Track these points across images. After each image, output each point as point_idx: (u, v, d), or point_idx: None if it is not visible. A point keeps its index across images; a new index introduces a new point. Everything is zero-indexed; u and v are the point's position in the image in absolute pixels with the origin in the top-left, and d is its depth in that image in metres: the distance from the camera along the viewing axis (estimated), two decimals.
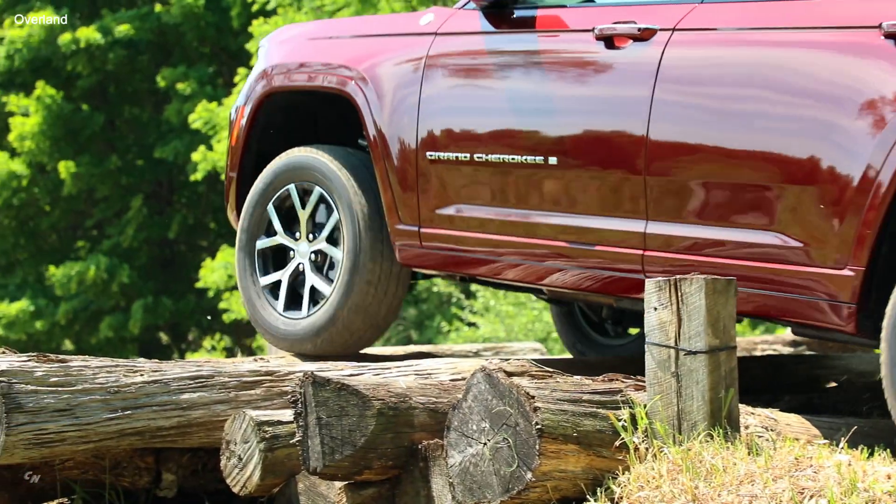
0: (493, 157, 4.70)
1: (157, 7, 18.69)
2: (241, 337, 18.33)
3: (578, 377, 3.54)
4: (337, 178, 5.04)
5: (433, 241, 4.90)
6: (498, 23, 4.80)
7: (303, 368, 4.27)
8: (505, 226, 4.71)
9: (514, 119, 4.68)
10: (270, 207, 5.17)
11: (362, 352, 5.31)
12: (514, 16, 4.76)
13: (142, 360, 4.01)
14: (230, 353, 17.94)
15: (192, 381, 3.94)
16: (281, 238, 5.15)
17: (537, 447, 3.21)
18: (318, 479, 3.65)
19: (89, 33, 17.86)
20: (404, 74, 4.98)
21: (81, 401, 3.74)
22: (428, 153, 4.87)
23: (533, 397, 3.25)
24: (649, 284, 3.50)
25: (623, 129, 4.35)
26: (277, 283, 5.16)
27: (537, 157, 4.58)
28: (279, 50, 5.39)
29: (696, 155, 4.21)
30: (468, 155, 4.77)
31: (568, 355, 6.37)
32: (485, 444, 3.30)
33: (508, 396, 3.27)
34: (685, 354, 3.42)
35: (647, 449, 3.35)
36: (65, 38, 17.78)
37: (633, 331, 5.74)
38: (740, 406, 3.63)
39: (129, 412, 3.80)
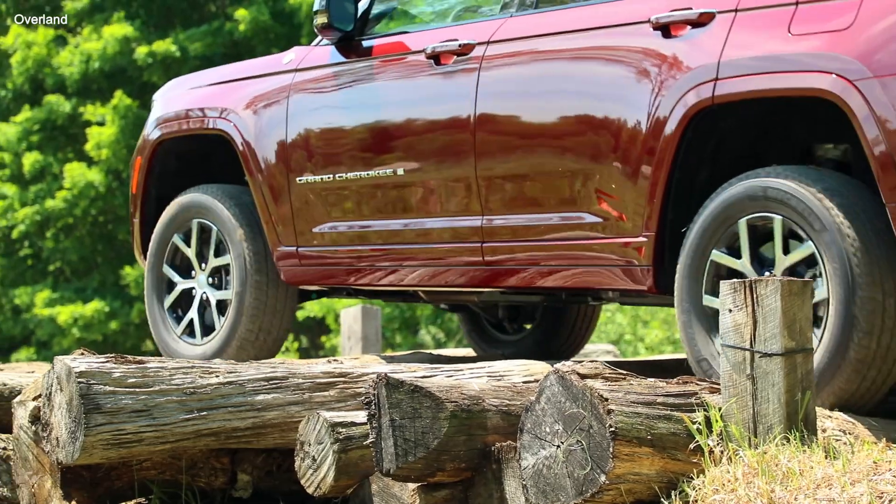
0: (352, 175, 5.22)
1: (228, 25, 18.84)
2: (315, 337, 18.44)
3: (652, 379, 3.52)
4: (224, 214, 5.58)
5: (311, 258, 5.38)
6: (348, 53, 5.32)
7: (376, 370, 4.28)
8: (370, 236, 5.19)
9: (366, 138, 5.19)
10: (176, 238, 5.76)
11: (436, 353, 5.37)
12: (362, 46, 5.28)
13: (217, 360, 4.05)
14: (304, 353, 18.05)
15: (266, 383, 3.97)
16: (178, 278, 5.75)
17: (611, 450, 3.19)
18: (392, 480, 3.66)
19: (166, 46, 18.02)
20: (272, 110, 5.50)
21: (158, 402, 3.78)
22: (298, 178, 5.38)
23: (606, 400, 3.23)
24: (724, 286, 3.48)
25: (454, 137, 4.86)
26: (178, 307, 5.75)
27: (387, 171, 5.09)
28: (167, 101, 5.97)
29: (514, 153, 4.71)
30: (331, 176, 5.28)
31: (641, 357, 6.34)
32: (558, 446, 3.29)
33: (582, 399, 3.26)
34: (761, 357, 3.38)
35: (721, 452, 3.32)
36: (141, 50, 17.96)
37: (528, 326, 6.20)
38: (817, 409, 3.59)
39: (204, 413, 3.83)
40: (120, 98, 18.11)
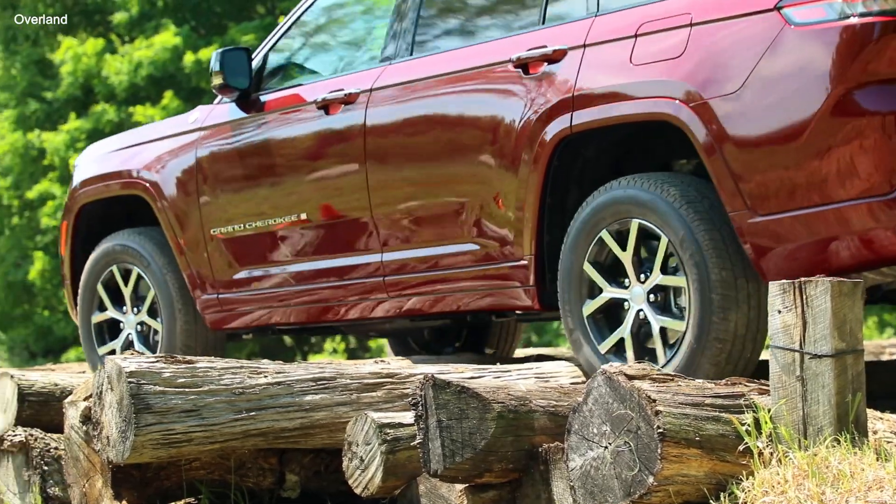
0: (259, 223, 5.55)
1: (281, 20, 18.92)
2: (363, 338, 18.47)
3: (700, 380, 3.51)
4: (148, 254, 5.92)
5: (231, 304, 5.71)
6: (247, 109, 5.65)
7: (424, 371, 4.29)
8: (283, 278, 5.49)
9: (269, 187, 5.51)
10: (99, 286, 6.06)
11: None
12: (259, 101, 5.62)
13: (266, 361, 4.07)
14: (351, 354, 18.10)
15: (314, 383, 3.98)
16: (111, 312, 6.05)
17: (659, 451, 3.18)
18: (439, 481, 3.66)
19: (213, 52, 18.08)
20: (181, 168, 5.82)
21: (207, 402, 3.80)
22: (212, 230, 5.70)
23: (654, 401, 3.22)
24: (773, 287, 3.46)
25: (349, 180, 5.21)
26: (113, 352, 5.99)
27: (291, 216, 5.43)
28: (87, 166, 6.30)
29: (402, 191, 5.05)
30: (242, 225, 5.61)
31: None
32: (606, 447, 3.28)
33: (629, 400, 3.25)
34: (810, 358, 3.36)
35: (771, 454, 3.30)
36: (188, 58, 18.05)
37: (457, 344, 6.48)
38: (868, 411, 3.56)
39: (253, 413, 3.85)
40: (170, 99, 18.22)
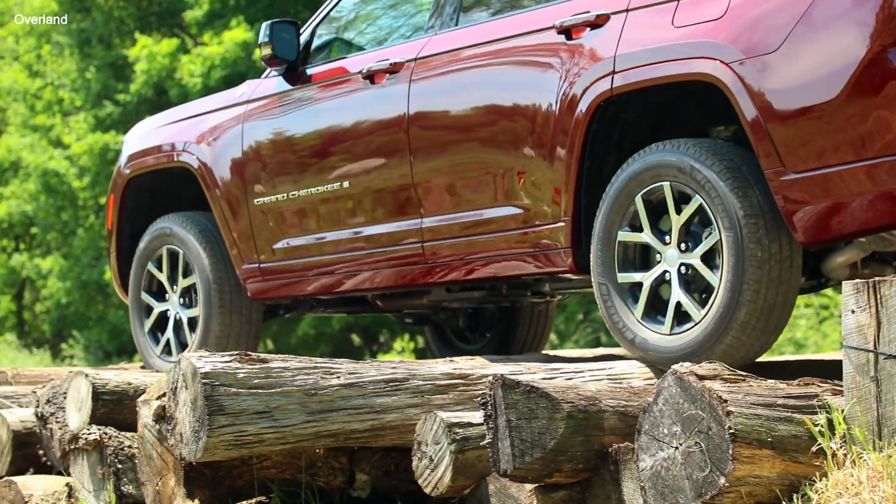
0: (302, 192, 5.65)
1: None
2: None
3: (772, 381, 3.48)
4: (190, 241, 6.05)
5: (272, 273, 5.82)
6: (293, 81, 5.77)
7: (496, 371, 4.29)
8: (324, 247, 5.61)
9: (313, 156, 5.62)
10: (150, 265, 6.21)
11: (552, 354, 5.36)
12: (306, 73, 5.73)
13: (339, 360, 4.07)
14: (420, 354, 18.14)
15: (386, 385, 3.98)
16: (154, 301, 6.19)
17: (730, 452, 3.16)
18: (509, 481, 3.66)
19: None
20: (228, 140, 5.97)
21: (280, 403, 3.81)
22: (255, 200, 5.82)
23: (726, 401, 3.20)
24: (846, 287, 3.42)
25: (392, 147, 5.29)
26: (156, 329, 6.19)
27: (334, 185, 5.53)
28: (136, 140, 6.44)
29: (445, 157, 5.14)
30: (285, 194, 5.72)
31: (761, 358, 6.26)
32: (676, 448, 3.26)
33: (700, 400, 3.23)
34: (885, 358, 3.32)
35: (845, 455, 3.27)
36: (258, 53, 18.19)
37: (488, 334, 6.57)
38: None
39: (325, 415, 3.86)
40: None
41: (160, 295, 6.21)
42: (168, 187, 6.38)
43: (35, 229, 21.22)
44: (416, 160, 5.22)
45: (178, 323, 6.10)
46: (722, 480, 3.17)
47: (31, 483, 4.74)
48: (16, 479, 4.75)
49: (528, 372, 4.30)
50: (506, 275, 5.04)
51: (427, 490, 3.82)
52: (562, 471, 3.52)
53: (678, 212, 4.48)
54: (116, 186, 6.43)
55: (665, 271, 4.49)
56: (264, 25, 5.70)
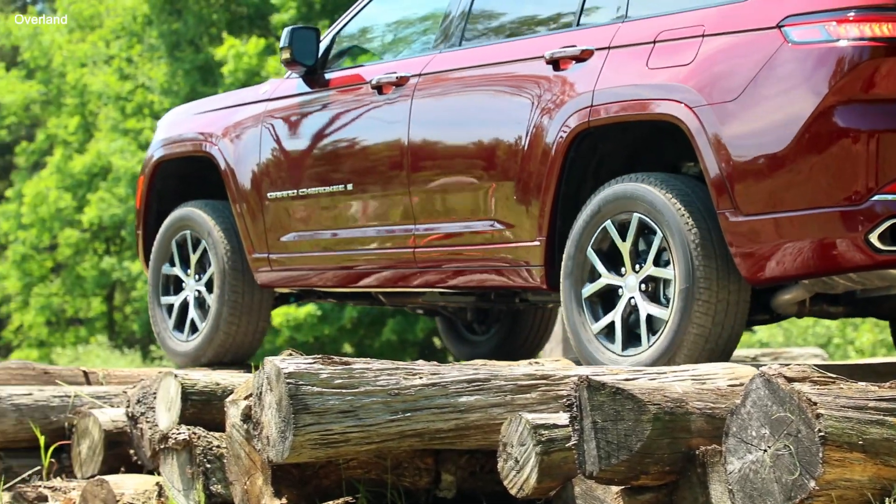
0: (311, 190, 5.99)
1: None
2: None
3: (863, 383, 3.42)
4: (210, 227, 6.39)
5: (280, 264, 6.17)
6: (312, 84, 6.10)
7: (578, 373, 4.27)
8: (326, 243, 5.95)
9: (322, 158, 5.97)
10: (173, 243, 6.58)
11: None
12: (323, 78, 6.06)
13: (420, 362, 4.09)
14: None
15: (468, 385, 3.99)
16: (176, 270, 6.56)
17: (820, 455, 3.11)
18: (595, 483, 3.64)
19: None
20: (248, 135, 6.31)
21: (364, 403, 3.83)
22: (268, 193, 6.17)
23: (815, 404, 3.15)
24: None
25: (392, 156, 5.62)
26: (171, 307, 6.57)
27: (339, 186, 5.88)
28: (167, 127, 6.81)
29: (438, 170, 5.46)
30: (295, 191, 6.05)
31: (851, 360, 6.17)
32: (765, 450, 3.23)
33: (789, 403, 3.19)
34: None
35: None
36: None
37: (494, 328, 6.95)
38: None
39: (408, 414, 3.87)
40: None
41: (178, 282, 6.59)
42: (195, 174, 6.70)
43: (125, 232, 21.53)
44: (413, 169, 5.55)
45: (191, 303, 6.49)
46: (812, 484, 3.13)
47: (122, 482, 4.80)
48: (107, 477, 4.82)
49: (610, 373, 4.28)
50: (485, 285, 5.39)
51: (513, 491, 3.82)
52: (648, 473, 3.50)
53: (640, 240, 4.83)
54: (146, 169, 6.79)
55: (630, 297, 4.83)
56: (285, 31, 6.00)
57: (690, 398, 3.55)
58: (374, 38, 6.31)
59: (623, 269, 4.86)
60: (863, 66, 4.39)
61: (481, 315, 6.81)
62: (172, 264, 6.58)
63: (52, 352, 22.02)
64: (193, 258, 6.49)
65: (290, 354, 3.99)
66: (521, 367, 4.25)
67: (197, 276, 6.49)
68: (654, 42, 4.83)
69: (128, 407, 5.06)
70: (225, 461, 4.45)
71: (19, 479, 5.42)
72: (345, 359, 3.91)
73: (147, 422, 4.95)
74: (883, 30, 4.40)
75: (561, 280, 4.99)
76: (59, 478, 5.34)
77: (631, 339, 4.83)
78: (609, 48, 4.96)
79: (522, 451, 3.75)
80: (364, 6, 6.14)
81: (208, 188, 6.64)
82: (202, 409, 4.75)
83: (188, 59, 20.03)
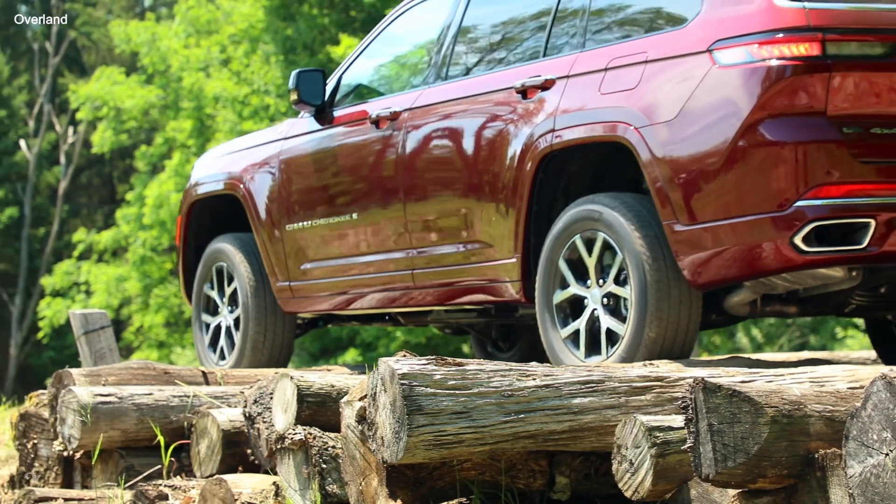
0: (322, 221, 6.55)
1: None
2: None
3: None
4: (237, 258, 7.00)
5: (301, 292, 6.71)
6: (321, 122, 6.63)
7: (693, 374, 4.23)
8: (338, 270, 6.47)
9: (330, 190, 6.50)
10: (212, 270, 7.20)
11: (754, 358, 5.30)
12: (332, 115, 6.59)
13: (533, 364, 4.09)
14: None
15: (582, 386, 3.98)
16: (214, 294, 7.19)
17: None
18: (711, 486, 3.60)
19: None
20: (268, 171, 6.88)
21: (477, 404, 3.84)
22: (287, 226, 6.73)
23: None
24: None
25: (388, 186, 6.13)
26: (209, 326, 7.22)
27: (346, 216, 6.40)
28: (199, 169, 7.49)
29: (428, 197, 5.95)
30: (309, 222, 6.61)
31: None
32: (886, 454, 3.16)
33: None
34: None
35: None
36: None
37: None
38: None
39: (522, 416, 3.87)
40: None
41: (214, 307, 7.24)
42: (226, 210, 7.32)
43: None
44: (407, 197, 6.03)
45: (222, 331, 7.13)
46: None
47: (239, 481, 4.87)
48: (226, 477, 4.89)
49: (726, 375, 4.23)
50: (474, 301, 5.85)
51: (627, 494, 3.79)
52: (766, 476, 3.45)
53: (605, 255, 5.22)
54: (183, 208, 7.44)
55: (593, 308, 5.25)
56: (292, 74, 6.54)
57: (809, 401, 3.49)
58: (376, 76, 6.79)
59: (589, 282, 5.29)
60: (783, 83, 4.79)
61: (505, 332, 7.32)
62: (212, 287, 7.20)
63: (171, 352, 22.42)
64: (228, 290, 7.08)
65: (404, 356, 4.01)
66: (635, 369, 4.22)
67: (230, 308, 7.10)
68: (606, 69, 5.28)
69: (245, 407, 5.13)
70: (340, 462, 4.49)
71: (140, 477, 5.53)
72: (458, 360, 3.92)
73: (264, 422, 5.01)
74: (800, 49, 4.81)
75: (536, 288, 5.42)
76: (178, 476, 5.44)
77: (595, 345, 5.24)
78: (568, 76, 5.42)
79: (637, 453, 3.73)
80: (366, 47, 6.66)
81: (241, 223, 7.21)
82: (317, 410, 4.80)
83: (303, 62, 20.25)
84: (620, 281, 5.18)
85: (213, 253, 7.17)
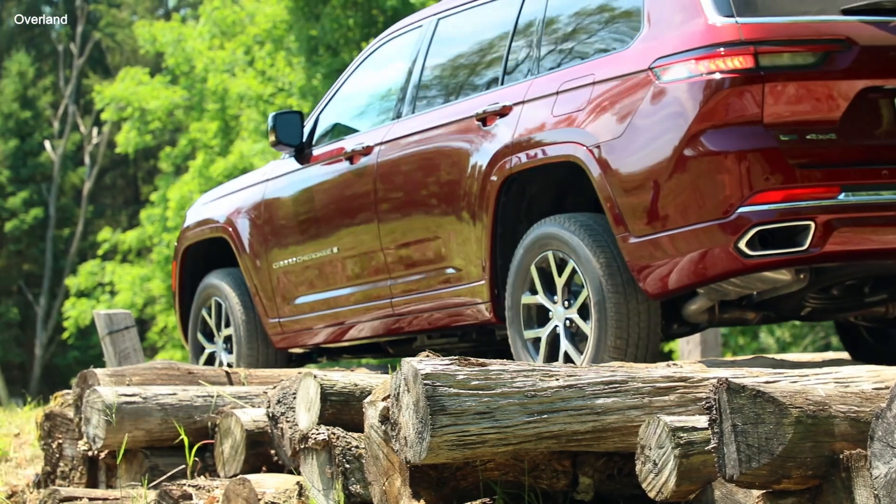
0: (305, 257, 6.77)
1: None
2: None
3: None
4: (231, 294, 7.26)
5: (289, 327, 6.94)
6: (301, 161, 6.90)
7: (717, 374, 4.22)
8: (324, 304, 6.68)
9: (311, 226, 6.72)
10: (203, 312, 7.47)
11: (778, 358, 5.29)
12: (311, 154, 6.84)
13: (557, 364, 4.09)
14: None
15: (605, 387, 3.97)
16: (202, 340, 7.47)
17: None
18: (735, 486, 3.59)
19: None
20: (253, 213, 7.14)
21: (500, 404, 3.84)
22: (274, 264, 6.98)
23: None
24: None
25: (365, 219, 6.36)
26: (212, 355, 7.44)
27: (327, 251, 6.63)
28: (192, 215, 7.74)
29: (401, 226, 6.16)
30: (294, 259, 6.84)
31: None
32: None
33: None
34: None
35: None
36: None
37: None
38: None
39: (545, 416, 3.87)
40: None
41: (210, 335, 7.49)
42: (218, 254, 7.57)
43: None
44: (382, 228, 6.26)
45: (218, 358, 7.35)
46: None
47: (263, 481, 4.88)
48: (249, 476, 4.90)
49: (750, 375, 4.22)
50: (451, 325, 6.02)
51: (651, 494, 3.78)
52: (790, 477, 3.44)
53: (559, 274, 5.41)
54: (178, 254, 7.71)
55: (556, 325, 5.43)
56: (270, 116, 6.79)
57: (834, 401, 3.48)
58: (351, 114, 6.99)
59: (556, 298, 5.47)
60: (721, 95, 4.97)
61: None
62: (204, 335, 7.49)
63: None
64: (223, 333, 7.33)
65: (428, 356, 4.01)
66: (658, 370, 4.21)
67: (225, 346, 7.35)
68: (558, 93, 5.47)
69: (268, 407, 5.14)
70: (363, 461, 4.49)
71: (165, 477, 5.55)
72: (481, 360, 3.92)
73: (287, 422, 5.02)
74: (735, 63, 4.98)
75: (506, 291, 5.61)
76: (202, 476, 5.46)
77: (553, 355, 5.43)
78: (524, 102, 5.62)
79: (661, 453, 3.72)
80: (341, 86, 6.93)
81: (233, 265, 7.46)
82: (341, 409, 4.80)
83: (325, 62, 20.28)
84: (583, 312, 5.36)
85: (207, 287, 7.45)
